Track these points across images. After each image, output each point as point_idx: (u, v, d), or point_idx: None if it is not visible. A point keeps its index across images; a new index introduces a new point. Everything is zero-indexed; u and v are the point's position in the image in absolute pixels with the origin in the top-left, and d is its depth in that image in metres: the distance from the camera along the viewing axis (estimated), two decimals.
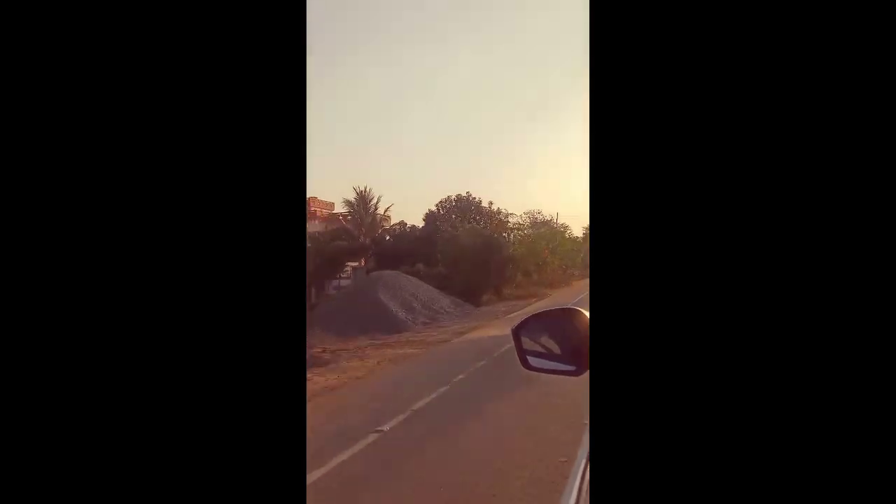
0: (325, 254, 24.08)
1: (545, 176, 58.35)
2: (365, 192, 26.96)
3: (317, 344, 9.30)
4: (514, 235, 23.02)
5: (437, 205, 26.99)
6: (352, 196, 26.82)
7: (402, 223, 26.10)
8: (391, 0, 59.14)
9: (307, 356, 7.14)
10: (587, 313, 1.02)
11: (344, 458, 3.84)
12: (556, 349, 1.22)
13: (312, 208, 32.92)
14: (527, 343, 1.24)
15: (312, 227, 28.63)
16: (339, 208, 28.34)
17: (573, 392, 4.79)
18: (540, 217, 29.18)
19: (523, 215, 28.15)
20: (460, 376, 6.56)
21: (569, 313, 1.17)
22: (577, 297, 16.71)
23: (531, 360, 1.23)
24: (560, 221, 30.47)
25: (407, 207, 63.42)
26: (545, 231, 27.49)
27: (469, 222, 22.46)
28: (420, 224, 26.25)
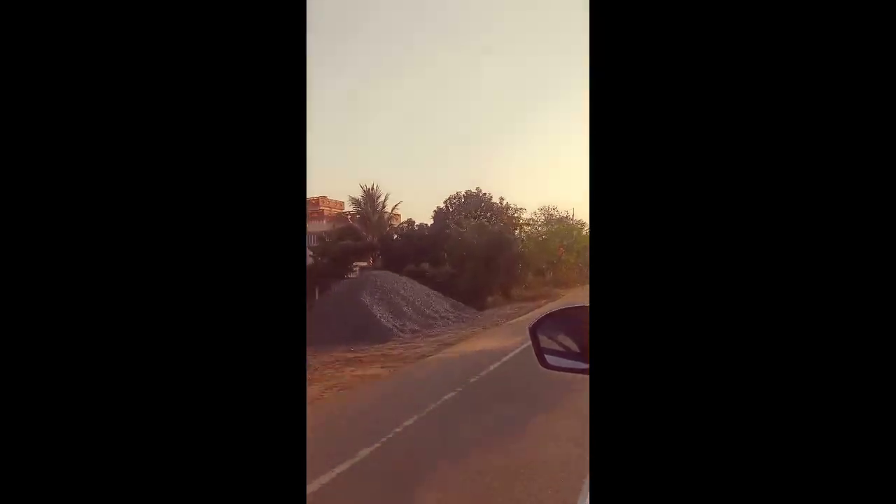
0: (330, 254, 23.41)
1: (562, 171, 56.50)
2: (372, 189, 26.09)
3: None
4: (525, 232, 21.57)
5: (445, 201, 25.77)
6: (360, 194, 26.04)
7: (410, 221, 25.01)
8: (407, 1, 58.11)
9: None
10: None
11: None
12: (574, 347, 1.20)
13: (321, 207, 32.49)
14: (544, 341, 1.21)
15: (319, 226, 28.05)
16: (349, 208, 27.67)
17: (564, 459, 3.49)
18: (556, 213, 27.65)
19: (538, 211, 26.76)
20: (410, 420, 4.78)
21: (587, 310, 1.05)
22: None
23: (549, 358, 1.20)
24: (577, 218, 28.92)
25: (419, 206, 62.73)
26: (559, 227, 25.97)
27: (475, 218, 21.22)
28: (430, 222, 25.09)
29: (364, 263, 22.43)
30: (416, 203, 64.04)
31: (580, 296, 18.33)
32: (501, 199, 24.90)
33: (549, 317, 1.24)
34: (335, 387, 6.64)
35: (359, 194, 25.80)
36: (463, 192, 25.51)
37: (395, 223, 26.17)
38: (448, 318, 13.39)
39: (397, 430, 4.54)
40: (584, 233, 26.69)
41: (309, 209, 32.90)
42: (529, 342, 1.24)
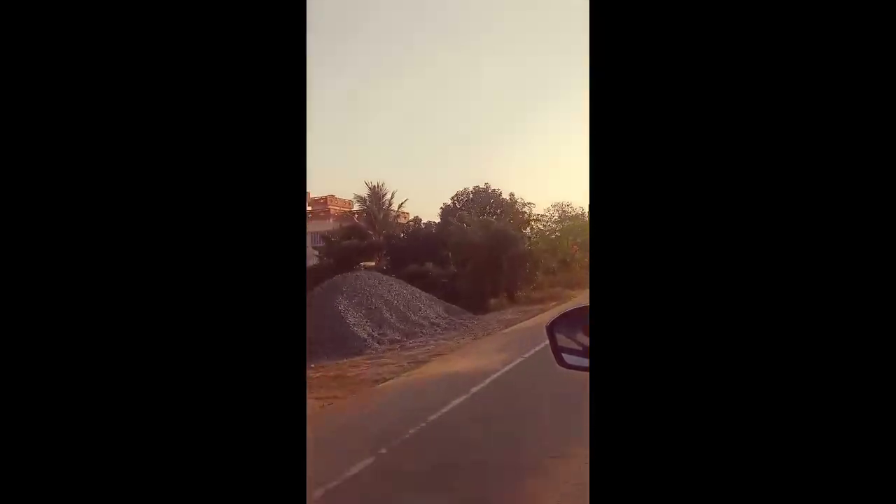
0: (333, 253, 22.62)
1: (562, 172, 54.45)
2: (378, 187, 25.06)
3: None
4: (535, 228, 20.09)
5: (452, 198, 24.43)
6: (366, 192, 25.04)
7: (417, 219, 23.85)
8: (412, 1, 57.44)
9: None
10: None
11: None
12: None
13: (329, 207, 31.73)
14: (562, 340, 1.19)
15: (326, 225, 27.29)
16: (357, 206, 26.75)
17: None
18: (570, 210, 26.10)
19: (551, 208, 25.27)
20: None
21: None
22: None
23: (566, 357, 1.18)
24: None
25: (428, 205, 61.94)
26: (573, 224, 24.44)
27: (481, 215, 19.90)
28: (438, 220, 23.86)
29: (372, 263, 21.62)
30: (424, 202, 63.22)
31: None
32: (512, 194, 23.43)
33: (566, 315, 1.22)
34: None
35: (365, 192, 24.85)
36: (471, 188, 24.18)
37: (404, 221, 25.10)
38: (438, 325, 12.02)
39: None
40: None
41: (317, 208, 32.22)
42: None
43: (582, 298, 17.41)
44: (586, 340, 1.14)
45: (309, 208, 32.15)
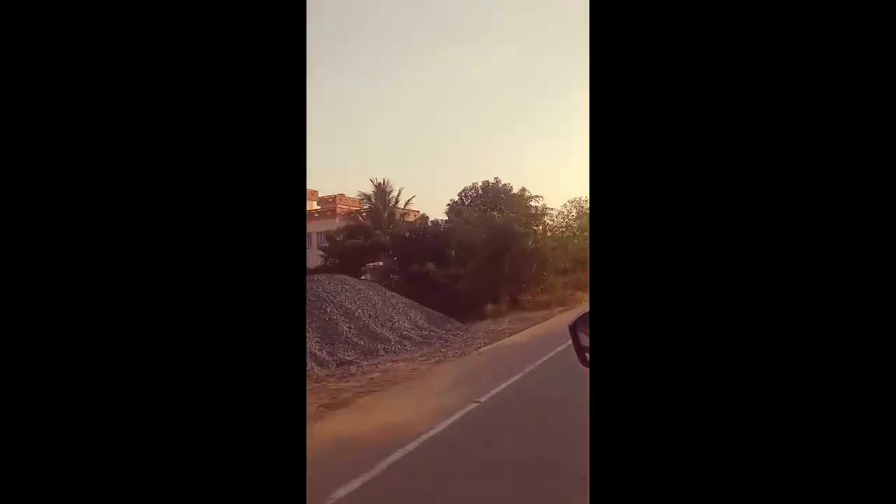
0: (336, 253, 21.52)
1: (562, 171, 52.66)
2: (384, 184, 23.84)
3: None
4: (545, 225, 18.41)
5: (460, 194, 22.99)
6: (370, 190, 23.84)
7: (424, 217, 22.47)
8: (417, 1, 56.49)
9: None
10: None
11: None
12: None
13: (338, 206, 30.69)
14: (585, 340, 1.18)
15: (332, 224, 26.23)
16: (364, 204, 25.57)
17: None
18: (587, 207, 24.36)
19: (567, 204, 23.62)
20: None
21: None
22: None
23: (588, 356, 1.12)
24: None
25: (433, 203, 60.73)
26: (587, 221, 22.73)
27: (486, 211, 18.35)
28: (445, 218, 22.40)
29: (380, 263, 20.45)
30: (429, 201, 62.23)
31: None
32: (523, 189, 21.84)
33: (586, 315, 1.17)
34: None
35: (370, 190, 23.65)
36: (479, 183, 22.66)
37: (412, 219, 23.76)
38: (410, 339, 9.83)
39: None
40: None
41: (324, 207, 31.24)
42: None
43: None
44: None
45: (318, 207, 31.23)
